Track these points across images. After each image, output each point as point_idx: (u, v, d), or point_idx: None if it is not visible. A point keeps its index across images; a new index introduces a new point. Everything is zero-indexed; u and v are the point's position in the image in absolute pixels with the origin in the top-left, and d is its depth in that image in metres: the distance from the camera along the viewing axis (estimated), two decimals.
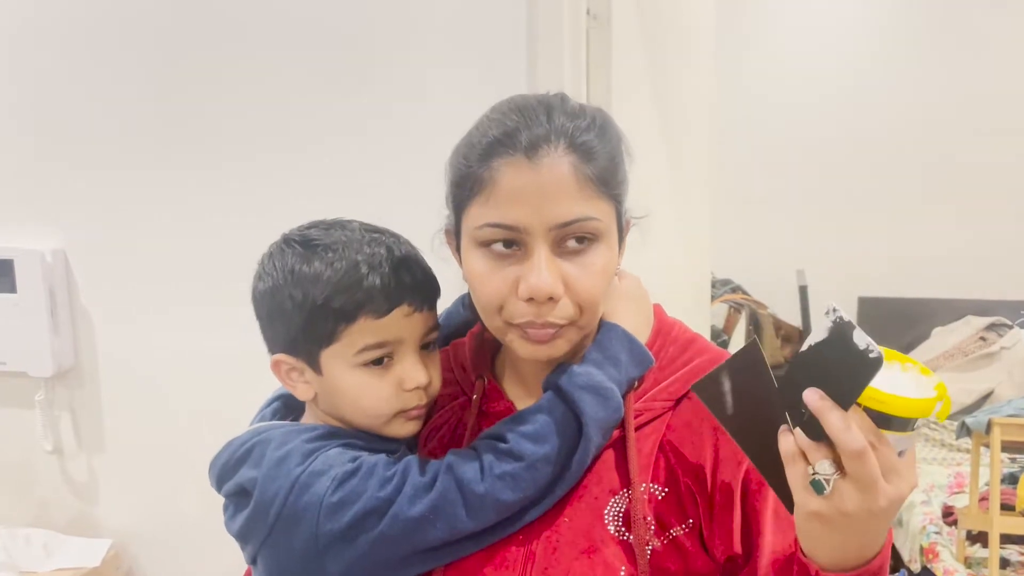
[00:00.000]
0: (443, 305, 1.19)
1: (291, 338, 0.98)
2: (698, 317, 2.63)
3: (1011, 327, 4.31)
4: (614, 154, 0.93)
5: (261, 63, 1.66)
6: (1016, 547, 2.85)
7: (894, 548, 3.25)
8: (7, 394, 1.91)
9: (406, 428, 1.01)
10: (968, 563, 2.85)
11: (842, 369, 0.70)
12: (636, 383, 0.96)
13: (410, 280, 0.97)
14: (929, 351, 4.42)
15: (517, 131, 0.88)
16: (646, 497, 0.92)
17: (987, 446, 2.77)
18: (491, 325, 0.95)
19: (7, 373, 1.87)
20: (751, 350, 0.74)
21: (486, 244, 0.90)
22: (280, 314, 0.98)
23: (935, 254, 4.64)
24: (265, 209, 1.69)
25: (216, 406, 1.75)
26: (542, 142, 0.87)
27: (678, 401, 0.96)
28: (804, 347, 0.73)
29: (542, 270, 0.87)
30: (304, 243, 0.99)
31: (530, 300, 0.89)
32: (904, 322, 4.62)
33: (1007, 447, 2.78)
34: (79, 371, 1.87)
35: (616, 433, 0.95)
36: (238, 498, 0.99)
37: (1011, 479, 2.84)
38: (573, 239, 0.89)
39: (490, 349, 1.08)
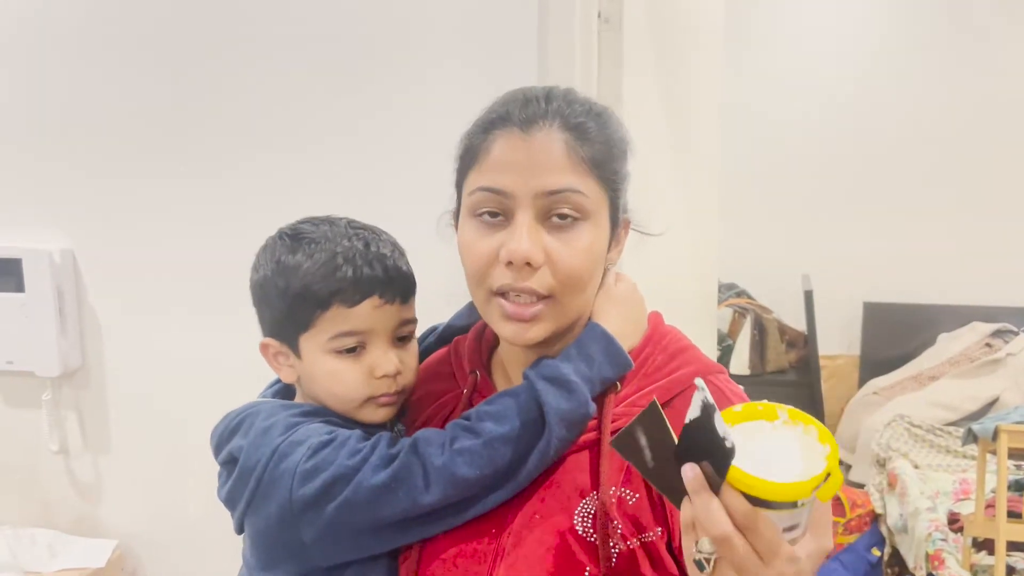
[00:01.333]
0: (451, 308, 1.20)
1: (276, 323, 1.06)
2: (704, 321, 2.62)
3: (1017, 333, 4.31)
4: (611, 143, 0.95)
5: (270, 66, 1.67)
6: (1022, 554, 2.84)
7: (899, 554, 3.27)
8: (14, 394, 1.91)
9: (378, 414, 1.06)
10: (974, 570, 2.84)
11: (711, 450, 0.70)
12: (618, 386, 0.98)
13: (382, 274, 1.03)
14: (935, 357, 4.42)
15: (515, 109, 0.93)
16: (615, 501, 0.93)
17: (993, 453, 2.77)
18: (476, 298, 0.98)
19: (14, 373, 1.87)
20: (654, 410, 0.73)
21: (477, 213, 0.94)
22: (267, 301, 1.06)
23: (941, 260, 4.63)
24: (272, 211, 1.66)
25: (221, 408, 1.75)
26: (538, 118, 0.92)
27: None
28: (686, 419, 0.71)
29: (523, 235, 0.90)
30: (293, 236, 1.06)
31: (509, 264, 0.91)
32: (909, 328, 4.62)
33: (1014, 454, 2.77)
34: (86, 371, 1.87)
35: (593, 436, 0.96)
36: (229, 466, 1.05)
37: (1017, 486, 2.84)
38: (558, 215, 0.91)
39: (487, 347, 1.11)
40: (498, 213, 0.93)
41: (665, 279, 2.09)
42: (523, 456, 0.94)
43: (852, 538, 3.47)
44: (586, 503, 0.94)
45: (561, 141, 0.91)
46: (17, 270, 1.80)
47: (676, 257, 2.20)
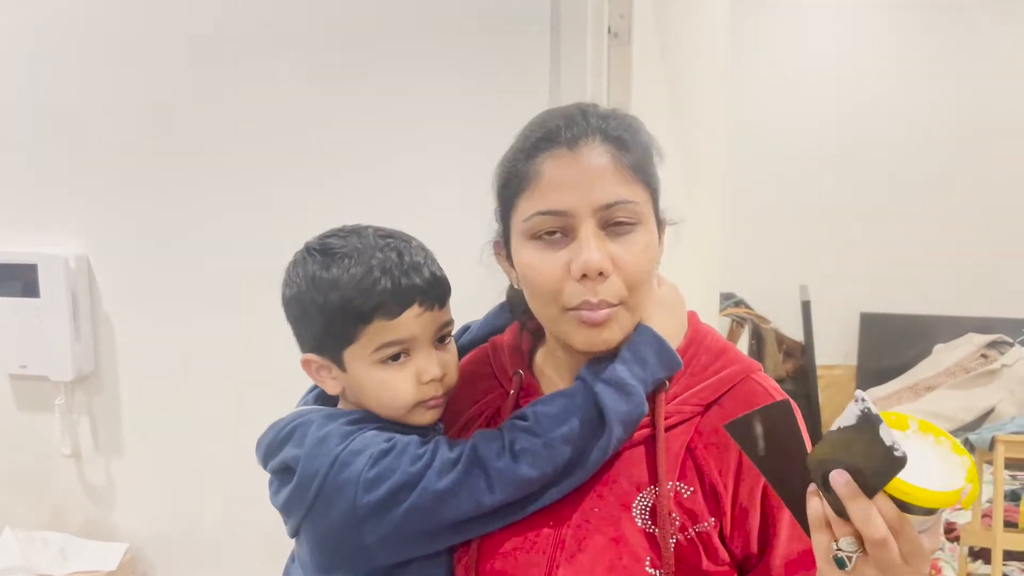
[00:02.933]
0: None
1: (316, 339, 1.07)
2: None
3: (1012, 345, 4.34)
4: (646, 149, 1.00)
5: (286, 70, 1.68)
6: (1018, 564, 2.88)
7: None
8: (27, 398, 1.93)
9: (427, 416, 1.08)
10: None
11: (869, 459, 0.72)
12: (667, 385, 1.01)
13: (420, 282, 1.04)
14: (930, 368, 4.45)
15: (558, 129, 0.96)
16: (672, 494, 0.97)
17: (990, 463, 2.80)
18: (546, 315, 1.00)
19: (28, 377, 1.89)
20: (785, 407, 0.77)
21: (536, 235, 0.96)
22: (305, 317, 1.06)
23: (937, 271, 4.67)
24: (285, 216, 1.71)
25: (233, 413, 1.78)
26: (581, 136, 0.95)
27: (708, 407, 1.01)
28: (834, 426, 0.74)
29: (592, 247, 0.93)
30: (323, 251, 1.07)
31: (583, 278, 0.94)
32: (906, 339, 4.65)
33: (1010, 464, 2.81)
34: (99, 376, 1.89)
35: (646, 432, 1.00)
36: (282, 475, 1.06)
37: (1014, 496, 2.87)
38: (616, 224, 0.95)
39: (528, 346, 1.14)
40: (556, 232, 0.95)
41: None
42: (582, 455, 0.97)
43: None
44: (643, 496, 0.98)
45: (607, 154, 0.94)
46: (32, 275, 1.82)
47: (680, 267, 2.23)
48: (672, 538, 0.95)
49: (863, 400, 0.72)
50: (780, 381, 4.57)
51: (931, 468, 0.75)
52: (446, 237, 1.15)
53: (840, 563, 0.76)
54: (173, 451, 1.86)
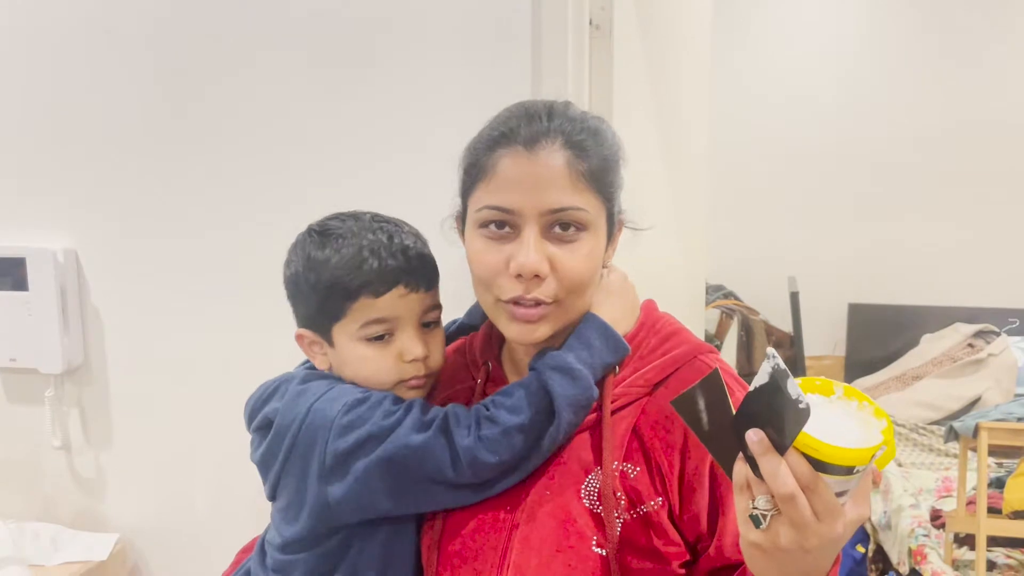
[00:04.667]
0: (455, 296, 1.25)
1: (309, 315, 1.13)
2: (692, 322, 2.67)
3: (999, 334, 4.37)
4: (608, 157, 1.02)
5: (271, 66, 1.69)
6: (1002, 549, 2.90)
7: (883, 551, 3.32)
8: (17, 390, 1.94)
9: (409, 395, 1.12)
10: (955, 565, 2.90)
11: (779, 415, 0.74)
12: (616, 369, 1.05)
13: (406, 264, 1.09)
14: (918, 358, 4.47)
15: (519, 127, 0.99)
16: (618, 474, 1.00)
17: (974, 450, 2.82)
18: (484, 302, 1.05)
19: (18, 370, 1.90)
20: (715, 377, 0.78)
21: (484, 225, 1.00)
22: (300, 295, 1.13)
23: (924, 262, 4.70)
24: (274, 209, 1.73)
25: (223, 404, 1.79)
26: (541, 137, 0.98)
27: (655, 388, 1.04)
28: (751, 387, 0.76)
29: (530, 249, 0.97)
30: (321, 232, 1.13)
31: (518, 277, 0.98)
32: (893, 329, 4.68)
33: (994, 451, 2.83)
34: (88, 368, 1.90)
35: (595, 416, 1.03)
36: (263, 430, 1.11)
37: (998, 483, 2.89)
38: (560, 226, 0.98)
39: (497, 339, 1.18)
40: (505, 226, 0.99)
41: (654, 280, 2.13)
42: (536, 441, 1.01)
43: None
44: (591, 478, 1.01)
45: (563, 159, 0.97)
46: (21, 269, 1.83)
47: (665, 259, 2.25)
48: (619, 518, 0.98)
49: (773, 357, 0.74)
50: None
51: (849, 429, 0.76)
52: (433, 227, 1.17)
53: (755, 521, 0.78)
54: (163, 442, 1.87)
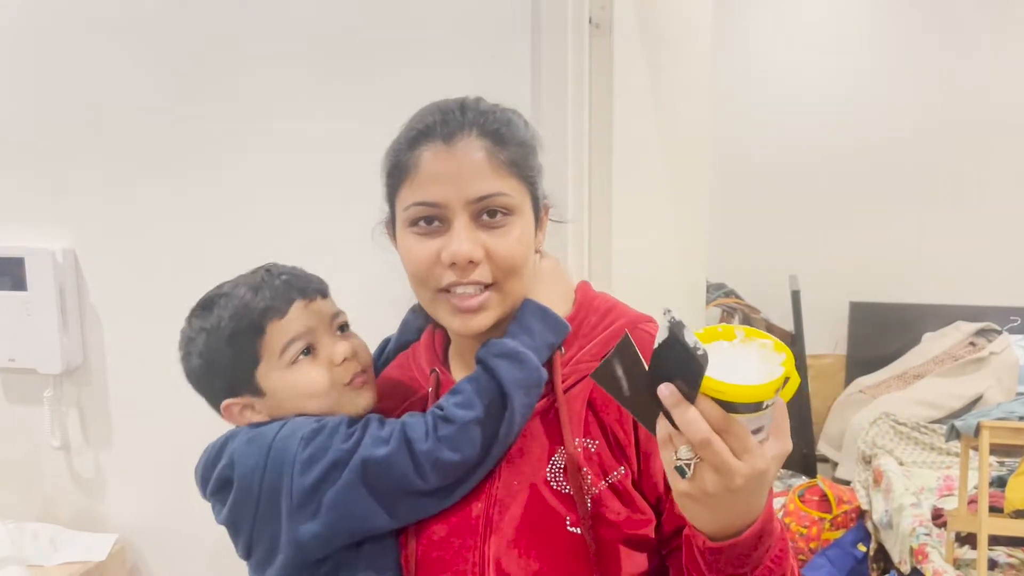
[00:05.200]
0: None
1: (227, 381, 1.11)
2: (693, 321, 2.66)
3: (1000, 332, 4.36)
4: (524, 143, 1.05)
5: (270, 65, 1.69)
6: (1004, 549, 2.90)
7: (885, 550, 3.31)
8: (16, 390, 1.94)
9: (360, 399, 1.12)
10: (957, 564, 2.89)
11: (683, 366, 0.75)
12: (562, 350, 1.07)
13: (294, 280, 1.12)
14: (919, 356, 4.47)
15: (435, 124, 1.02)
16: (580, 451, 1.02)
17: (976, 449, 2.81)
18: (423, 299, 1.07)
19: (17, 370, 1.90)
20: (626, 342, 0.79)
21: (414, 223, 1.03)
22: (211, 369, 1.11)
23: (926, 260, 4.69)
24: (272, 210, 1.72)
25: None
26: (457, 130, 1.01)
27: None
28: (655, 343, 0.77)
29: (462, 238, 0.99)
30: (201, 307, 1.14)
31: (453, 266, 1.00)
32: (895, 327, 4.67)
33: (995, 450, 2.82)
34: (87, 369, 1.90)
35: (549, 399, 1.05)
36: (222, 493, 1.08)
37: (999, 482, 2.88)
38: (488, 212, 1.01)
39: (441, 346, 1.19)
40: (434, 221, 1.01)
41: (655, 278, 2.13)
42: (495, 431, 1.02)
43: (838, 534, 3.51)
44: (555, 460, 1.03)
45: (482, 149, 1.00)
46: (20, 269, 1.83)
47: (666, 257, 2.24)
48: (587, 494, 1.00)
49: (668, 312, 0.75)
50: None
51: (754, 368, 0.79)
52: None
53: (680, 471, 0.80)
54: (162, 442, 1.87)
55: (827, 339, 4.86)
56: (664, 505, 1.02)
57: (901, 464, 3.72)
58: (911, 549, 3.01)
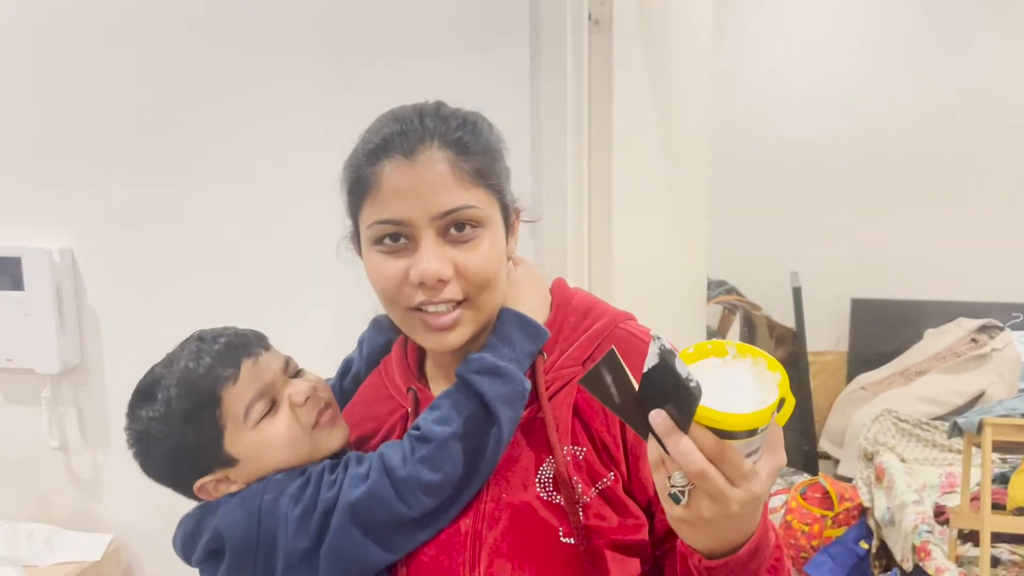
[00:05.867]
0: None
1: (196, 464, 1.05)
2: (694, 318, 2.66)
3: (1002, 329, 4.34)
4: (489, 149, 1.00)
5: (267, 66, 1.68)
6: (1007, 546, 2.89)
7: (887, 547, 3.30)
8: (14, 391, 1.93)
9: (333, 437, 1.08)
10: (959, 562, 2.88)
11: (674, 394, 0.73)
12: (544, 356, 1.04)
13: (233, 341, 1.06)
14: (921, 352, 4.45)
15: (393, 137, 0.96)
16: (569, 459, 0.99)
17: (978, 446, 2.80)
18: (395, 317, 1.03)
19: (14, 370, 1.89)
20: (611, 357, 0.77)
21: (379, 241, 0.98)
22: (175, 459, 1.05)
23: (927, 257, 4.68)
24: (271, 210, 1.72)
25: None
26: (417, 142, 0.95)
27: (584, 364, 1.03)
28: (645, 368, 0.75)
29: (430, 256, 0.95)
30: (137, 402, 1.07)
31: (422, 285, 0.96)
32: (896, 324, 4.66)
33: (998, 447, 2.81)
34: (85, 369, 1.89)
35: (534, 408, 1.02)
36: (213, 561, 1.05)
37: (1002, 479, 2.87)
38: (455, 227, 0.96)
39: (415, 361, 1.14)
40: (400, 238, 0.97)
41: (656, 276, 2.12)
42: (480, 447, 0.99)
43: (840, 531, 3.50)
44: (543, 470, 1.00)
45: (444, 161, 0.95)
46: (16, 269, 1.83)
47: (666, 254, 2.23)
48: (578, 503, 0.97)
49: (658, 338, 0.73)
50: None
51: (747, 390, 0.76)
52: None
53: (675, 498, 0.78)
54: None
55: (829, 336, 4.85)
56: (656, 507, 1.00)
57: (903, 461, 3.71)
58: (913, 546, 3.00)
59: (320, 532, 0.98)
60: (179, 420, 1.02)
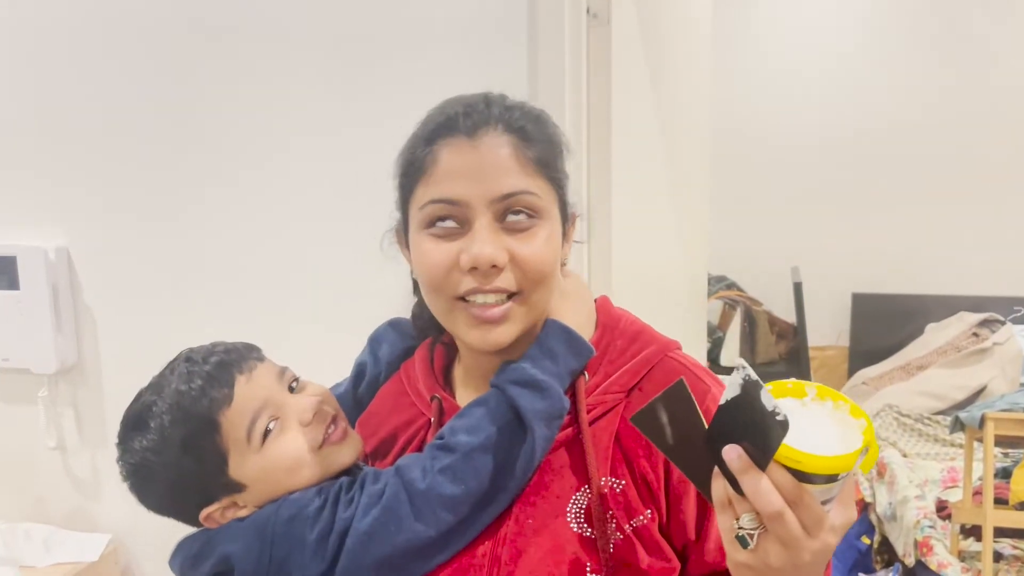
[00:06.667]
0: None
1: (201, 493, 0.98)
2: (695, 314, 2.65)
3: (1004, 323, 4.34)
4: (552, 142, 0.96)
5: (265, 66, 1.67)
6: (1009, 540, 2.88)
7: (889, 542, 3.30)
8: (10, 391, 1.92)
9: (344, 452, 1.01)
10: (961, 556, 2.88)
11: (756, 428, 0.69)
12: (586, 376, 0.97)
13: (224, 358, 0.98)
14: (922, 347, 4.45)
15: (457, 116, 0.92)
16: (606, 491, 0.92)
17: (980, 441, 2.80)
18: (438, 308, 0.96)
19: (10, 370, 1.88)
20: (680, 388, 0.73)
21: (430, 223, 0.92)
22: (177, 491, 0.98)
23: (928, 251, 4.67)
24: (268, 208, 1.70)
25: None
26: (482, 124, 0.91)
27: (629, 392, 0.96)
28: (722, 400, 0.71)
29: (484, 240, 0.89)
30: (128, 432, 1.01)
31: (473, 270, 0.89)
32: (898, 318, 4.65)
33: (1000, 441, 2.81)
34: (82, 368, 1.88)
35: (571, 431, 0.95)
36: None
37: (1004, 473, 2.87)
38: (513, 213, 0.91)
39: (441, 369, 1.08)
40: (453, 221, 0.91)
41: (656, 271, 2.11)
42: (508, 463, 0.92)
43: None
44: (577, 498, 0.93)
45: (508, 144, 0.91)
46: (12, 268, 1.81)
47: (666, 249, 2.22)
48: (610, 539, 0.91)
49: (743, 368, 0.69)
50: (773, 363, 4.59)
51: (828, 434, 0.72)
52: None
53: (742, 541, 0.73)
54: None
55: (829, 331, 4.84)
56: (691, 551, 0.93)
57: (905, 456, 3.70)
58: (915, 541, 2.99)
59: (336, 555, 0.92)
60: (177, 449, 0.95)
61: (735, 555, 0.75)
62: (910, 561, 3.02)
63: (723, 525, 0.75)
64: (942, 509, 3.09)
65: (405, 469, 0.94)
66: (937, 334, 4.46)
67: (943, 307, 4.56)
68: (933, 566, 2.85)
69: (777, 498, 0.70)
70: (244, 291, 1.74)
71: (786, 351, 4.65)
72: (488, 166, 0.90)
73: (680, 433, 0.74)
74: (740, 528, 0.73)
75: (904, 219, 4.68)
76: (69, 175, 1.82)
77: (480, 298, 0.91)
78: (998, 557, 2.81)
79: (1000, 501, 2.74)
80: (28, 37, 1.80)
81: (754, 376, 0.69)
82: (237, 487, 0.97)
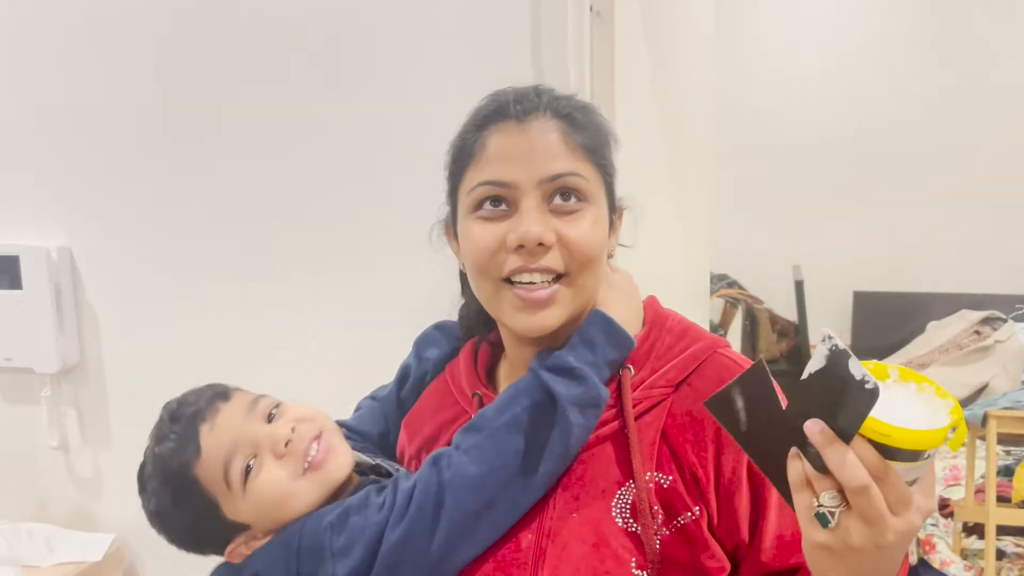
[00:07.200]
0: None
1: (214, 536, 1.00)
2: (696, 312, 2.64)
3: (1005, 321, 4.34)
4: (600, 131, 0.98)
5: (266, 65, 1.67)
6: (1011, 538, 2.88)
7: None
8: (13, 390, 1.92)
9: (333, 471, 1.00)
10: (964, 554, 2.87)
11: (841, 400, 0.67)
12: (631, 370, 0.97)
13: (188, 410, 0.99)
14: (924, 345, 4.45)
15: (508, 103, 0.94)
16: (652, 486, 0.91)
17: (983, 439, 2.80)
18: (484, 292, 0.97)
19: (13, 369, 1.88)
20: (759, 369, 0.72)
21: (479, 206, 0.94)
22: (193, 536, 1.02)
23: (930, 249, 4.67)
24: (270, 207, 1.70)
25: None
26: (531, 110, 0.94)
27: (677, 387, 0.96)
28: (804, 374, 0.69)
29: (532, 219, 0.90)
30: (138, 485, 1.03)
31: (520, 248, 0.91)
32: (899, 316, 4.65)
33: (1003, 439, 2.81)
34: (84, 368, 1.87)
35: (616, 425, 0.95)
36: None
37: (1007, 471, 2.87)
38: (561, 195, 0.92)
39: (484, 366, 1.09)
40: (502, 203, 0.93)
41: (658, 269, 2.11)
42: (537, 445, 0.91)
43: None
44: (622, 493, 0.92)
45: (556, 129, 0.93)
46: (15, 267, 1.81)
47: (669, 248, 2.22)
48: (656, 535, 0.90)
49: (831, 338, 0.68)
50: (774, 361, 4.58)
51: (914, 411, 0.70)
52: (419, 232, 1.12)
53: (823, 519, 0.70)
54: None
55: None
56: (743, 552, 0.92)
57: None
58: (918, 540, 2.99)
59: (370, 558, 0.91)
60: (172, 506, 0.99)
61: (814, 535, 0.72)
62: (912, 559, 3.02)
63: (801, 504, 0.72)
64: (944, 507, 3.08)
65: (432, 460, 0.94)
66: (939, 332, 4.46)
67: (945, 305, 4.55)
68: (936, 564, 2.85)
69: (863, 471, 0.67)
70: (246, 291, 1.74)
71: (787, 349, 4.65)
72: (537, 149, 0.92)
73: (755, 417, 0.72)
74: (820, 506, 0.70)
75: (905, 217, 4.69)
76: (71, 175, 1.81)
77: (527, 277, 0.92)
78: (1000, 555, 2.81)
79: (1002, 499, 2.74)
80: (28, 37, 1.79)
81: (842, 345, 0.67)
82: (242, 527, 0.99)
